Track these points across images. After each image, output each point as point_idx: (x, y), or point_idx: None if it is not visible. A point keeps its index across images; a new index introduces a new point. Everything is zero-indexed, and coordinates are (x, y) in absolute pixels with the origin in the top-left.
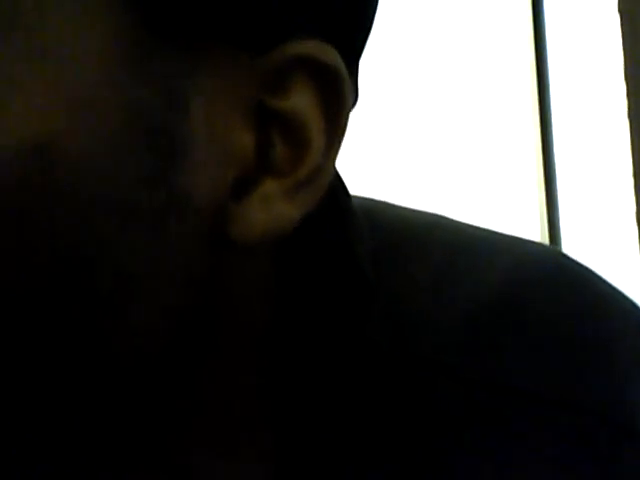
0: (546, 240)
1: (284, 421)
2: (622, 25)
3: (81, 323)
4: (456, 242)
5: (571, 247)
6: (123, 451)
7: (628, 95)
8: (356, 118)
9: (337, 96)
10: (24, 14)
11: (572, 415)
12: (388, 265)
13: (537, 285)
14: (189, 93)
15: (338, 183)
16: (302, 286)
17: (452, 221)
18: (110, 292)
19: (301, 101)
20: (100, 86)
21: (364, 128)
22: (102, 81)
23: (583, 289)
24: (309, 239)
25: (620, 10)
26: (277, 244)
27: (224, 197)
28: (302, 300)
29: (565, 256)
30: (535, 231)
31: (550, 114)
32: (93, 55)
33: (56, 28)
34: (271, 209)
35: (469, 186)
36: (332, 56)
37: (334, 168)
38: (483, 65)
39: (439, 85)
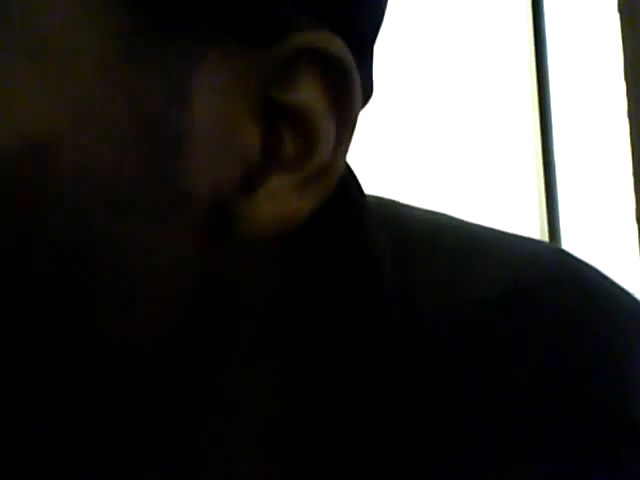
0: (546, 239)
1: (297, 419)
2: (622, 25)
3: (82, 320)
4: (461, 241)
5: (571, 247)
6: (135, 448)
7: (628, 95)
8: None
9: (345, 89)
10: (22, 13)
11: (576, 412)
12: (401, 264)
13: (540, 283)
14: (192, 88)
15: (353, 181)
16: (314, 284)
17: (456, 220)
18: (111, 291)
19: (309, 94)
20: (100, 83)
21: (364, 129)
22: (102, 78)
23: (586, 286)
24: (321, 237)
25: (620, 10)
26: (288, 241)
27: (231, 192)
28: (314, 298)
29: (567, 254)
30: (535, 230)
31: (550, 114)
32: (93, 52)
33: (54, 25)
34: (279, 204)
35: (469, 185)
36: (339, 48)
37: (344, 163)
38: (483, 65)
39: (439, 85)
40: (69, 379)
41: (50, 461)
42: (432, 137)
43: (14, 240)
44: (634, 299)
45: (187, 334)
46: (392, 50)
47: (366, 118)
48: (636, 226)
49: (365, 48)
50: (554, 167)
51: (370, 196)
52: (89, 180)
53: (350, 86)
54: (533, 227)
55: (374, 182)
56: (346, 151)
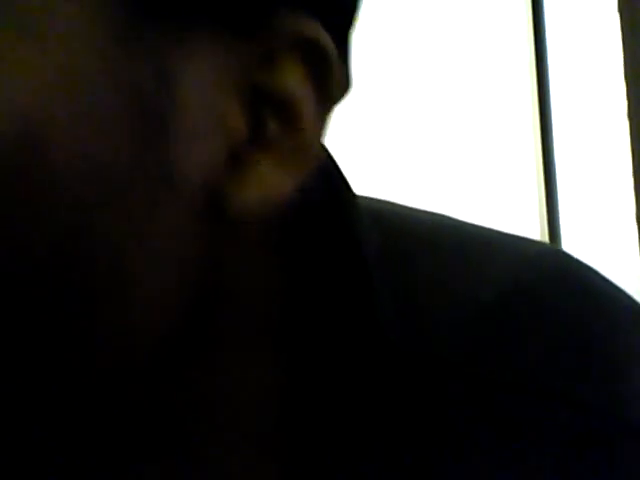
0: (546, 240)
1: (296, 418)
2: (622, 25)
3: (78, 308)
4: (461, 242)
5: (571, 247)
6: (134, 447)
7: (628, 95)
8: (355, 117)
9: (326, 72)
10: None
11: (576, 412)
12: (395, 263)
13: (539, 284)
14: (179, 74)
15: (341, 180)
16: (309, 283)
17: (456, 220)
18: (110, 284)
19: (292, 79)
20: (90, 68)
21: (363, 128)
22: (92, 63)
23: (584, 287)
24: (313, 237)
25: (620, 10)
26: (285, 242)
27: (218, 175)
28: (309, 297)
29: (566, 254)
30: (535, 230)
31: (550, 114)
32: (83, 37)
33: (45, 9)
34: (264, 185)
35: (469, 185)
36: (321, 34)
37: (323, 139)
38: (482, 65)
39: (439, 84)
40: (68, 377)
41: (49, 462)
42: (432, 137)
43: (6, 228)
44: (634, 300)
45: (186, 332)
46: (391, 48)
47: (366, 117)
48: (636, 226)
49: (343, 36)
50: (554, 167)
51: (369, 198)
52: (81, 165)
53: (330, 70)
54: (533, 227)
55: (372, 182)
56: (325, 129)
